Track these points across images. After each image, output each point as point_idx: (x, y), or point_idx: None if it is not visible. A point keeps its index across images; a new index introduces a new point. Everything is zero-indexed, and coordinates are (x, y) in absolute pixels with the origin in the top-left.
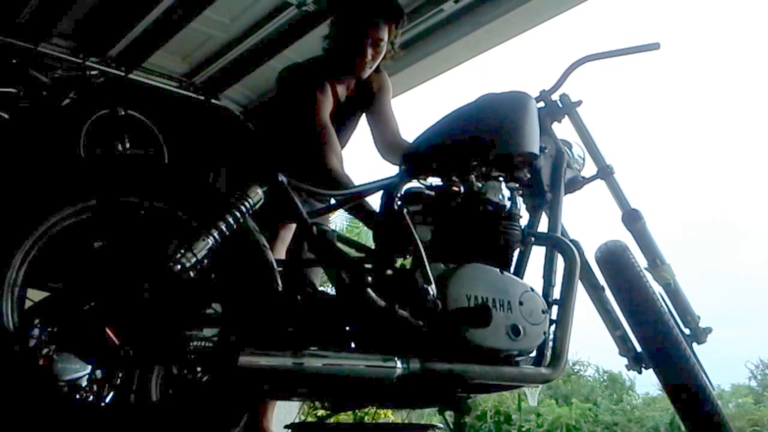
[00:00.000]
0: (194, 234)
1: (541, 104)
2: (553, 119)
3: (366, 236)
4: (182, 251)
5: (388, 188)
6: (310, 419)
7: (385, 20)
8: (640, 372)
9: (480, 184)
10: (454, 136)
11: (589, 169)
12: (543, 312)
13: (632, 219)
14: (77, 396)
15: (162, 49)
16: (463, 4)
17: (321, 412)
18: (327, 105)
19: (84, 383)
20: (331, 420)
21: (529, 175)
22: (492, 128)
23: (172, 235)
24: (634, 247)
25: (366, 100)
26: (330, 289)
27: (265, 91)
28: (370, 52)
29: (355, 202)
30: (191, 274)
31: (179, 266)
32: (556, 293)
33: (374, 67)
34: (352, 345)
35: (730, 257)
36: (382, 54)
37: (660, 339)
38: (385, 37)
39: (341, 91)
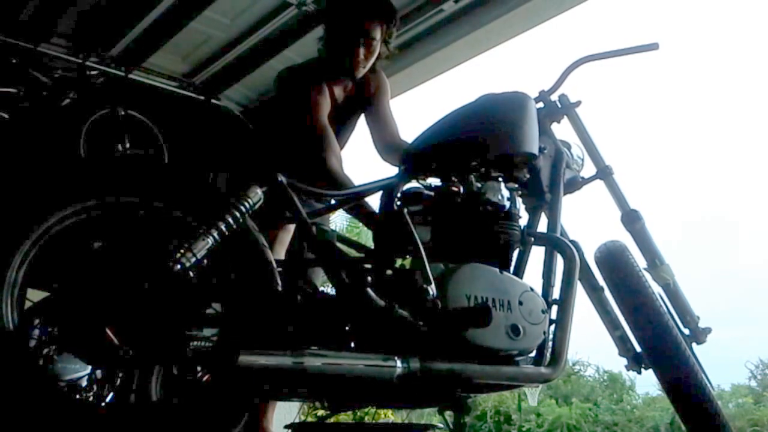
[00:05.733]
0: (194, 234)
1: (541, 105)
2: (552, 120)
3: (366, 236)
4: (182, 251)
5: (388, 188)
6: (310, 419)
7: (376, 19)
8: (639, 372)
9: (479, 185)
10: (453, 136)
11: (589, 169)
12: (543, 312)
13: (631, 219)
14: (77, 396)
15: (162, 49)
16: (463, 4)
17: (321, 412)
18: (325, 106)
19: (84, 383)
20: (331, 420)
21: (528, 176)
22: (491, 128)
23: (172, 235)
24: (634, 247)
25: (364, 100)
26: (330, 289)
27: (265, 91)
28: (362, 51)
29: (354, 203)
30: (191, 274)
31: (179, 266)
32: (556, 293)
33: (368, 66)
34: (352, 345)
35: (729, 257)
36: (375, 53)
37: (659, 339)
38: (378, 36)
39: (339, 92)
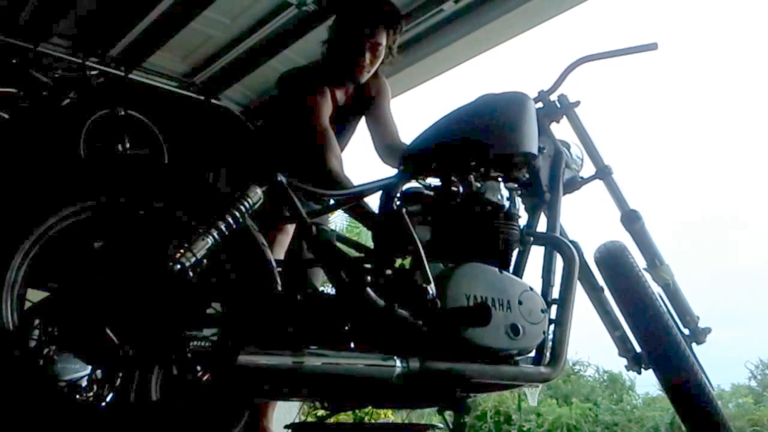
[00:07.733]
0: (194, 234)
1: (540, 105)
2: (551, 120)
3: (366, 236)
4: (182, 251)
5: (387, 188)
6: (310, 419)
7: (383, 26)
8: (639, 372)
9: (479, 184)
10: (452, 136)
11: (588, 169)
12: (542, 311)
13: (631, 219)
14: (77, 396)
15: (162, 49)
16: (463, 4)
17: (321, 412)
18: (326, 109)
19: (84, 383)
20: (331, 420)
21: (527, 176)
22: (491, 128)
23: (172, 235)
24: (633, 247)
25: (365, 104)
26: (330, 289)
27: (265, 91)
28: (368, 56)
29: (354, 203)
30: (191, 274)
31: (179, 266)
32: (555, 293)
33: (372, 71)
34: (352, 345)
35: (729, 257)
36: (380, 59)
37: (659, 339)
38: (383, 41)
39: (340, 95)
